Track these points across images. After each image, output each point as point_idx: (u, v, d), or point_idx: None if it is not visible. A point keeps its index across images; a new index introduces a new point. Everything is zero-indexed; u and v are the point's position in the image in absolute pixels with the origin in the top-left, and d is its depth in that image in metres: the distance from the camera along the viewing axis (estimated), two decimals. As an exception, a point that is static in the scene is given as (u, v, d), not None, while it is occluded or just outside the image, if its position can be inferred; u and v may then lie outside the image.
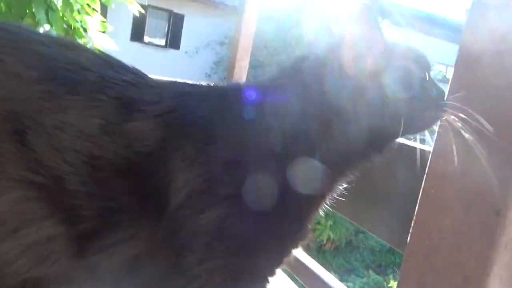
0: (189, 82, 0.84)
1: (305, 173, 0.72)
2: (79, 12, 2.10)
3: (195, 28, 11.87)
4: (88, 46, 2.34)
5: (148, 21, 12.18)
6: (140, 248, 0.69)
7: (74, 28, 2.06)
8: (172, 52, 12.57)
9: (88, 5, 2.26)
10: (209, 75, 11.61)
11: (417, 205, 0.70)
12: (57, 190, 0.65)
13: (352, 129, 0.74)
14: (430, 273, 0.67)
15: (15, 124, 0.63)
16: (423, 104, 0.76)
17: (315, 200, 0.79)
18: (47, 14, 1.81)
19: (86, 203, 0.66)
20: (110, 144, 0.67)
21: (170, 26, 12.42)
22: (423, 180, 0.71)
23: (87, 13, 2.10)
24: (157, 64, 12.18)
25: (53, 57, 0.70)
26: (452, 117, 0.67)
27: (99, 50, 0.79)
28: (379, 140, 0.77)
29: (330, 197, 0.81)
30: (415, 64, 0.76)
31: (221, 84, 0.88)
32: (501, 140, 0.58)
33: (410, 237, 0.70)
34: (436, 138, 0.71)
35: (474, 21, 0.66)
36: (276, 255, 0.77)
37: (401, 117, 0.72)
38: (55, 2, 1.88)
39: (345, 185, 0.83)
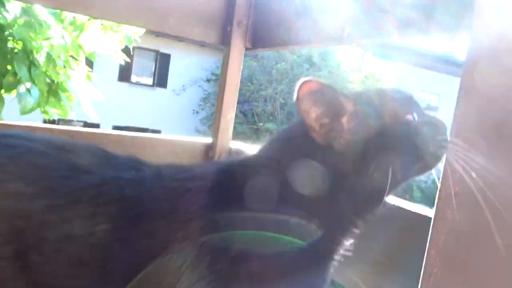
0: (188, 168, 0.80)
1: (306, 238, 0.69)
2: (63, 66, 2.09)
3: (182, 66, 12.04)
4: (72, 97, 2.32)
5: (135, 61, 12.33)
6: None
7: (57, 83, 2.04)
8: (159, 90, 12.68)
9: (72, 57, 2.26)
10: (197, 112, 11.70)
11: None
12: None
13: (342, 196, 0.72)
14: None
15: (17, 245, 0.62)
16: (415, 148, 0.71)
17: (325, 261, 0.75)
18: (29, 71, 1.79)
19: None
20: (122, 251, 0.65)
21: (157, 66, 12.59)
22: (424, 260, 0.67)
23: (70, 67, 2.09)
24: (145, 103, 12.25)
25: (53, 166, 0.68)
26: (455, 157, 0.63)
27: (96, 146, 0.77)
28: (368, 196, 0.73)
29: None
30: (392, 112, 0.73)
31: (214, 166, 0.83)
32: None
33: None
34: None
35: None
36: None
37: (388, 168, 0.69)
38: (37, 59, 1.86)
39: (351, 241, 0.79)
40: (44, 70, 1.89)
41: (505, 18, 0.57)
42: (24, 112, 1.87)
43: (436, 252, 0.65)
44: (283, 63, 9.99)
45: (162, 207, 0.69)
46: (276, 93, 9.94)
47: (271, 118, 10.21)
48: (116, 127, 12.23)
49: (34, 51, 1.83)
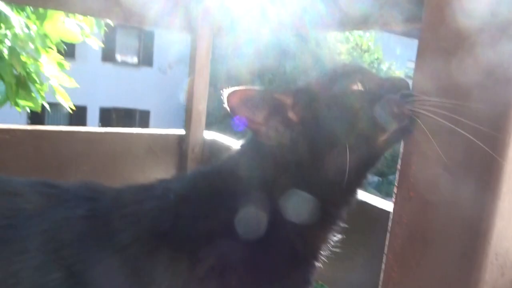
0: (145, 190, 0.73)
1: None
2: (34, 59, 2.00)
3: (167, 43, 11.79)
4: (45, 87, 2.25)
5: (118, 40, 12.05)
6: None
7: (26, 74, 1.96)
8: (145, 69, 12.46)
9: (43, 46, 2.17)
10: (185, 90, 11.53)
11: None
12: None
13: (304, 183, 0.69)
14: None
15: None
16: (367, 115, 0.65)
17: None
18: (-5, 64, 1.72)
19: None
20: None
21: (141, 44, 12.31)
22: (384, 263, 0.66)
23: (39, 57, 2.00)
24: (132, 83, 12.04)
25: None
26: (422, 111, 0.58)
27: (44, 181, 0.70)
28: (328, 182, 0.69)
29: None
30: (329, 88, 0.69)
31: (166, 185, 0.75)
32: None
33: None
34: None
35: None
36: None
37: (345, 145, 0.65)
38: (2, 51, 1.78)
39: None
40: (10, 62, 1.82)
41: None
42: (-8, 106, 1.82)
43: (393, 256, 0.64)
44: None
45: (120, 239, 0.63)
46: (265, 69, 9.83)
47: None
48: (103, 109, 12.06)
49: (-4, 44, 1.76)
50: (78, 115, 11.41)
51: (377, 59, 11.02)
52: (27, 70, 1.94)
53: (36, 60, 1.94)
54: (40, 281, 0.59)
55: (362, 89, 0.69)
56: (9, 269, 0.59)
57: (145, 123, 12.52)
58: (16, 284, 0.59)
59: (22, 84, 1.89)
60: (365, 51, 10.42)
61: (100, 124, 11.81)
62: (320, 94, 0.70)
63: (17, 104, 1.98)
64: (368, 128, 0.66)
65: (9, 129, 1.17)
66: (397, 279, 0.63)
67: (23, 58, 1.89)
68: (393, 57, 11.67)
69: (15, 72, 1.89)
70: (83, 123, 11.49)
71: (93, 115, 11.90)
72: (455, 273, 0.55)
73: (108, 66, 11.91)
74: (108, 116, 12.15)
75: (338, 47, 10.24)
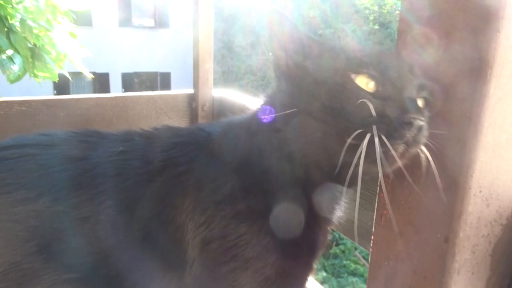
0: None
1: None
2: (46, 29, 2.03)
3: (182, 3, 11.58)
4: (60, 57, 2.30)
5: (133, 4, 11.94)
6: None
7: (39, 46, 2.00)
8: (162, 31, 12.37)
9: (54, 17, 2.19)
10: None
11: (373, 228, 0.68)
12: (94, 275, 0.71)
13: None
14: (392, 296, 0.65)
15: (38, 241, 0.69)
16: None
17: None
18: (8, 38, 1.76)
19: (121, 278, 0.71)
20: (130, 218, 0.71)
21: (157, 6, 12.15)
22: (376, 202, 0.68)
23: (51, 26, 2.02)
24: (150, 46, 12.02)
25: (47, 164, 0.73)
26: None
27: (87, 131, 0.81)
28: None
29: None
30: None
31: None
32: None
33: (371, 260, 0.68)
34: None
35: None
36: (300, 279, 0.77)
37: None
38: (15, 25, 1.82)
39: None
40: (24, 35, 1.86)
41: None
42: (11, 80, 1.87)
43: (384, 195, 0.66)
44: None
45: (152, 168, 0.73)
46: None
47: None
48: (125, 74, 12.19)
49: (8, 17, 1.78)
50: (101, 82, 11.61)
51: None
52: (41, 42, 1.98)
53: (48, 30, 1.97)
54: (96, 209, 0.70)
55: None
56: (69, 203, 0.70)
57: (166, 85, 12.60)
58: (78, 214, 0.70)
59: (37, 55, 1.94)
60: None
61: (123, 90, 11.98)
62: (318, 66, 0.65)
63: (36, 76, 2.05)
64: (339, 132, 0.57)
65: (24, 101, 1.23)
66: (388, 215, 0.65)
67: (36, 30, 1.93)
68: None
69: (29, 44, 1.95)
70: (106, 89, 11.70)
71: (115, 81, 12.07)
72: (440, 206, 0.57)
73: (126, 30, 11.89)
74: (130, 80, 12.29)
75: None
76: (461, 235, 0.55)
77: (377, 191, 0.67)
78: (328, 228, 0.81)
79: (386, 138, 0.52)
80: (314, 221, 0.74)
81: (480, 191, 0.54)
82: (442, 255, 0.58)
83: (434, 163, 0.55)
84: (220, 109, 1.46)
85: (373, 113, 0.54)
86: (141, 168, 0.74)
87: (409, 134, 0.53)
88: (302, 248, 0.73)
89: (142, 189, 0.72)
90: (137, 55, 11.89)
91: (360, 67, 0.58)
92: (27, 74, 2.08)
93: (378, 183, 0.66)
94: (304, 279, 0.77)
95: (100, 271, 0.70)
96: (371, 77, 0.57)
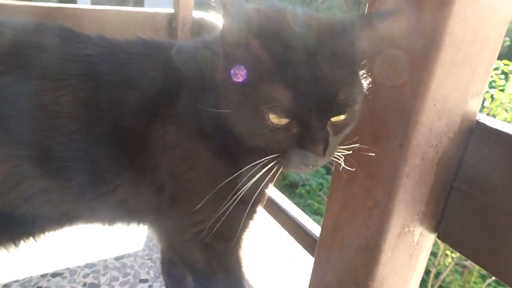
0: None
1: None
2: None
3: None
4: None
5: None
6: (124, 195, 0.80)
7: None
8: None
9: None
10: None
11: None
12: (46, 158, 0.75)
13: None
14: (350, 197, 0.74)
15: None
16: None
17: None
18: None
19: (72, 165, 0.75)
20: (86, 116, 0.74)
21: None
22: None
23: None
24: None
25: (21, 47, 0.74)
26: None
27: (61, 26, 0.80)
28: None
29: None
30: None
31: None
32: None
33: (334, 167, 0.76)
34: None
35: None
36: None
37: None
38: None
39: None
40: None
41: None
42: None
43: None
44: None
45: (120, 78, 0.76)
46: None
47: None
48: (95, -3, 11.44)
49: None
50: None
51: None
52: None
53: None
54: (54, 101, 0.73)
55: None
56: (31, 88, 0.73)
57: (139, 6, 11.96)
58: (38, 100, 0.73)
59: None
60: None
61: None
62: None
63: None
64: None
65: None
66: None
67: None
68: None
69: None
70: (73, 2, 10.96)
71: None
72: (396, 116, 0.64)
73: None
74: None
75: None
76: (413, 142, 0.63)
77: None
78: None
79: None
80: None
81: (435, 105, 0.62)
82: (395, 160, 0.66)
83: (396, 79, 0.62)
84: (200, 31, 1.46)
85: (281, 150, 0.63)
86: (105, 75, 0.76)
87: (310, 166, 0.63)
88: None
89: (103, 95, 0.75)
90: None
91: (272, 104, 0.59)
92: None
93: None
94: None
95: (52, 156, 0.75)
96: (282, 114, 0.59)
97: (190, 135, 0.75)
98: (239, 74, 0.61)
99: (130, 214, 0.87)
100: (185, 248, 0.86)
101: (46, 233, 0.88)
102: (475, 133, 0.66)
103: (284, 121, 0.60)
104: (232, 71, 0.62)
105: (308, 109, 0.58)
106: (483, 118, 0.66)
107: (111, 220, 0.90)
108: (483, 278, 4.18)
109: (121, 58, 0.78)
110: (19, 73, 0.73)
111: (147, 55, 0.80)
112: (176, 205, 0.80)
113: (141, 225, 0.91)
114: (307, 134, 0.60)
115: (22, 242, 0.85)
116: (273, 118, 0.60)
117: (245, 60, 0.61)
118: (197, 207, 0.75)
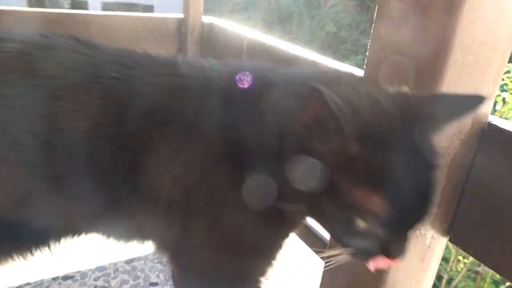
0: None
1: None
2: None
3: None
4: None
5: None
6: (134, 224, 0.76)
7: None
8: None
9: None
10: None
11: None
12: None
13: None
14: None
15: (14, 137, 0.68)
16: None
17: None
18: None
19: (87, 194, 0.71)
20: (104, 145, 0.69)
21: None
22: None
23: None
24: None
25: (35, 66, 0.69)
26: None
27: (82, 41, 0.74)
28: None
29: None
30: None
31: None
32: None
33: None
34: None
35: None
36: (265, 253, 0.76)
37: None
38: None
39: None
40: None
41: None
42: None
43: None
44: None
45: (142, 105, 0.69)
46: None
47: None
48: (105, 3, 11.60)
49: None
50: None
51: None
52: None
53: None
54: (72, 125, 0.68)
55: None
56: (48, 110, 0.68)
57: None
58: (54, 122, 0.68)
59: None
60: None
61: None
62: None
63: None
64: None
65: (11, 11, 1.21)
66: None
67: None
68: None
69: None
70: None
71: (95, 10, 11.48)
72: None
73: None
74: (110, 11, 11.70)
75: None
76: (424, 144, 0.63)
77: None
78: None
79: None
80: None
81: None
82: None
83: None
84: (209, 36, 1.47)
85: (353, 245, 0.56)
86: (127, 105, 0.69)
87: None
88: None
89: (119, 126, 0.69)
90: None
91: (367, 216, 0.51)
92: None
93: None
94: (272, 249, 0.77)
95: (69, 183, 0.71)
96: (377, 228, 0.52)
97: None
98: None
99: (145, 238, 0.83)
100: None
101: (62, 243, 0.86)
102: (487, 135, 0.65)
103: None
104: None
105: (405, 221, 0.52)
106: (495, 120, 0.65)
107: (127, 239, 0.85)
108: (496, 284, 4.11)
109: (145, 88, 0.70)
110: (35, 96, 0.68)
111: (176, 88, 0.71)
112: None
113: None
114: (395, 243, 0.54)
115: (38, 252, 0.83)
116: (361, 223, 0.52)
117: (332, 158, 0.51)
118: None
